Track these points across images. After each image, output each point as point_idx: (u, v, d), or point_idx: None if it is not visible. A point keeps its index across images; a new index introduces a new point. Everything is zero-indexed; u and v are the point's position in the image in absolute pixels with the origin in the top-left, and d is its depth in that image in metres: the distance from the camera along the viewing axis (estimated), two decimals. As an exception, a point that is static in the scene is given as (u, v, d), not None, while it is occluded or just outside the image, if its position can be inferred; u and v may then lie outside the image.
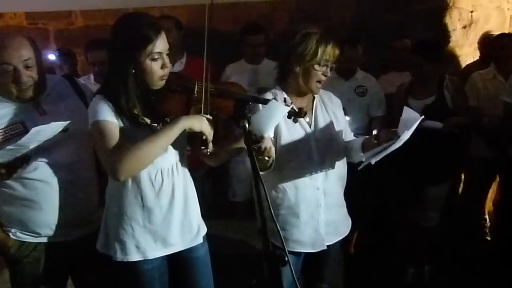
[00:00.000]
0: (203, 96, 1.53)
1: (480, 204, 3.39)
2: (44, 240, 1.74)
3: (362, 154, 1.85)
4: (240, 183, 3.19)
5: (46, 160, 1.67)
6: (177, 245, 1.65)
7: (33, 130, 1.47)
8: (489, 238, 3.47)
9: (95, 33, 3.59)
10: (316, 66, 1.80)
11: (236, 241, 2.54)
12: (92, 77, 2.99)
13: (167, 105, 1.54)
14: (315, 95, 1.94)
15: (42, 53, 1.73)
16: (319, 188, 1.89)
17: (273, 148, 1.61)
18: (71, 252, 1.75)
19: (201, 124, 1.47)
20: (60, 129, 1.55)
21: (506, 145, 2.77)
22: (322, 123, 1.91)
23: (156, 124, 1.55)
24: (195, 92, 1.57)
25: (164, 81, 1.53)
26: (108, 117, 1.47)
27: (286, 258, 1.17)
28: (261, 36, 3.13)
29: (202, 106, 1.53)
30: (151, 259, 1.60)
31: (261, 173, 1.64)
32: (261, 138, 1.51)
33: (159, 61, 1.48)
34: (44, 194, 1.68)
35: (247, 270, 2.24)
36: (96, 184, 1.82)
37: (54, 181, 1.69)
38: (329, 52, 1.79)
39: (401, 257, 3.04)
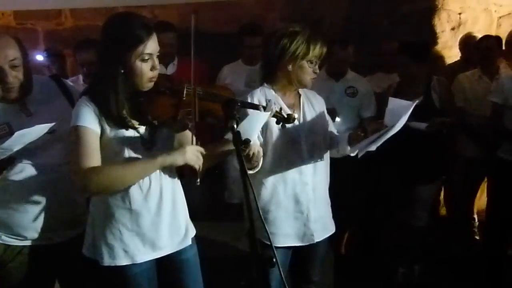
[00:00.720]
0: (194, 100, 1.51)
1: (469, 204, 3.42)
2: (30, 243, 1.71)
3: (349, 147, 1.89)
4: (236, 184, 3.18)
5: (32, 162, 1.65)
6: (166, 248, 1.63)
7: (17, 133, 1.45)
8: (477, 238, 3.50)
9: (84, 34, 3.57)
10: (308, 64, 1.86)
11: (227, 243, 2.55)
12: (81, 78, 2.97)
13: (155, 108, 1.52)
14: (300, 92, 1.99)
15: (29, 54, 1.71)
16: (308, 183, 1.92)
17: (260, 152, 1.64)
18: (58, 255, 1.73)
19: (184, 157, 1.43)
20: (45, 131, 1.53)
21: (494, 145, 2.79)
22: (309, 119, 1.95)
23: (143, 127, 1.54)
24: (184, 95, 1.55)
25: (153, 83, 1.51)
26: (89, 124, 1.44)
27: (274, 260, 1.17)
28: (259, 37, 3.12)
29: (195, 110, 1.52)
30: (140, 263, 1.58)
31: (248, 172, 1.68)
32: (248, 142, 1.51)
33: (149, 62, 1.47)
34: (30, 196, 1.66)
35: (236, 271, 2.24)
36: None
37: (40, 183, 1.67)
38: (318, 50, 1.85)
39: (391, 256, 3.06)
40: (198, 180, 1.47)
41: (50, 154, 1.67)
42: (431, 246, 3.17)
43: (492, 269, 2.86)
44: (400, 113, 1.74)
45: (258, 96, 1.89)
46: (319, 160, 1.94)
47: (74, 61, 3.11)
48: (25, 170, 1.65)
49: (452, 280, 2.97)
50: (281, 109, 1.76)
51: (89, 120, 1.44)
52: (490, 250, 2.88)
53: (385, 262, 3.06)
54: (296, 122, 1.90)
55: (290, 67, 1.86)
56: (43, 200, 1.68)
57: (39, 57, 3.42)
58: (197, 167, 1.44)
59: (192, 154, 1.44)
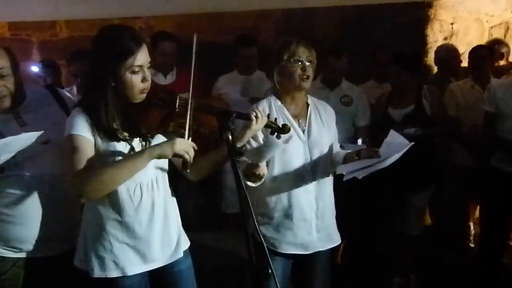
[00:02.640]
0: (188, 111, 1.50)
1: (464, 212, 3.43)
2: (25, 255, 1.69)
3: (342, 166, 1.88)
4: (233, 194, 3.17)
5: (27, 173, 1.64)
6: (157, 261, 1.61)
7: (0, 141, 1.44)
8: (472, 245, 3.50)
9: (79, 44, 3.57)
10: (288, 65, 1.87)
11: (225, 252, 2.53)
12: (75, 89, 2.97)
13: (148, 119, 1.52)
14: (309, 102, 1.99)
15: (20, 64, 1.71)
16: (311, 192, 1.92)
17: (266, 171, 1.74)
18: (52, 268, 1.71)
19: (173, 148, 1.41)
20: (33, 140, 1.51)
21: (486, 153, 2.81)
22: (315, 130, 1.95)
23: (135, 138, 1.53)
24: (177, 106, 1.55)
25: (145, 94, 1.51)
26: (83, 132, 1.45)
27: (270, 271, 1.16)
28: (254, 48, 3.19)
29: (187, 121, 1.51)
30: (131, 275, 1.56)
31: (253, 184, 1.74)
32: (257, 165, 1.66)
33: (139, 74, 1.47)
34: (24, 207, 1.65)
35: (234, 281, 2.23)
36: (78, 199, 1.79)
37: (35, 194, 1.65)
38: (293, 49, 1.86)
39: (386, 266, 3.06)
40: (188, 170, 1.46)
41: (44, 164, 1.66)
42: (427, 255, 3.17)
43: (488, 277, 2.85)
44: (395, 149, 1.74)
45: (263, 106, 1.89)
46: (322, 169, 1.94)
47: (68, 72, 3.11)
48: (20, 181, 1.63)
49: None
50: (275, 119, 1.76)
51: (84, 130, 1.45)
52: (486, 258, 2.87)
53: (381, 272, 3.05)
54: (301, 132, 1.92)
55: (276, 72, 1.89)
56: (38, 212, 1.66)
57: (34, 68, 3.42)
58: (187, 157, 1.42)
59: (181, 144, 1.42)
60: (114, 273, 1.54)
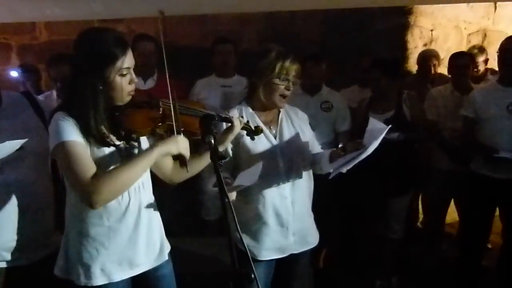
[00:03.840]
0: (172, 114, 1.50)
1: (444, 216, 3.48)
2: None
3: (330, 164, 1.89)
4: (212, 201, 3.16)
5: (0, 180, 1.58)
6: (143, 265, 1.60)
7: None
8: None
9: (60, 48, 3.51)
10: (276, 81, 1.86)
11: (207, 259, 2.51)
12: (54, 93, 2.91)
13: (135, 122, 1.51)
14: (280, 110, 1.99)
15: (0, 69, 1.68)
16: (287, 197, 1.93)
17: (234, 197, 1.75)
18: (20, 279, 1.65)
19: (178, 146, 1.46)
20: (16, 148, 1.47)
21: (465, 157, 2.86)
22: (287, 135, 1.96)
23: (122, 142, 1.52)
24: (161, 109, 1.55)
25: (131, 96, 1.50)
26: (75, 137, 1.40)
27: (253, 276, 1.16)
28: (229, 44, 3.18)
29: (173, 123, 1.51)
30: (117, 282, 1.53)
31: None
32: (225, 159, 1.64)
33: (127, 76, 1.46)
34: None
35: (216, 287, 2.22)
36: (52, 206, 1.74)
37: (5, 202, 1.60)
38: (287, 67, 1.85)
39: (368, 269, 3.08)
40: (187, 169, 1.51)
41: (17, 172, 1.61)
42: (408, 258, 3.21)
43: (468, 279, 2.90)
44: (376, 135, 1.76)
45: (234, 114, 1.89)
46: (296, 176, 1.95)
47: (48, 76, 3.06)
48: None
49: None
50: (248, 121, 1.80)
51: (75, 134, 1.40)
52: (466, 261, 2.92)
53: (363, 275, 3.07)
54: (272, 138, 1.93)
55: (260, 85, 1.89)
56: (8, 220, 1.61)
57: (14, 73, 3.35)
58: (187, 157, 1.49)
59: (183, 143, 1.48)
60: (100, 281, 1.51)
